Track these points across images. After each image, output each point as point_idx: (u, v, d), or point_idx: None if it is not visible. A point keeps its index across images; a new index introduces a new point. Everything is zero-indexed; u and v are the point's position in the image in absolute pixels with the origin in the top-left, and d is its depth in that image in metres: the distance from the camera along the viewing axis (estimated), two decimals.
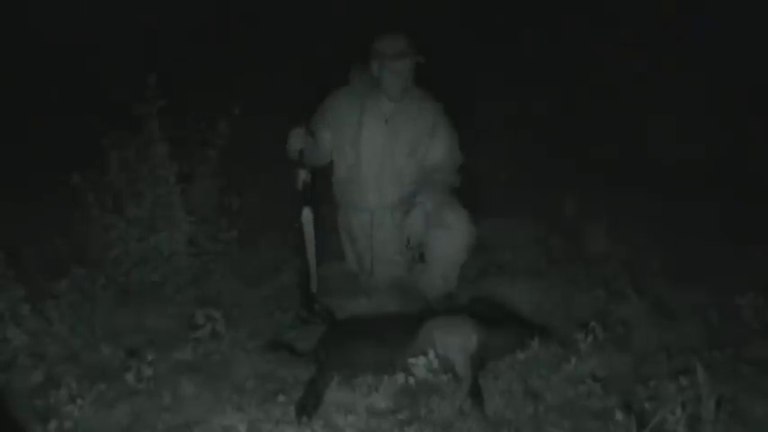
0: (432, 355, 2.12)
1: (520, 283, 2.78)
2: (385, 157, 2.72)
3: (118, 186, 2.83)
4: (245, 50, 5.86)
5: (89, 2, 6.06)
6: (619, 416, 1.84)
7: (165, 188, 2.83)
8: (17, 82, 5.16)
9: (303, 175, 2.64)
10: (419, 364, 2.10)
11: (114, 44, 5.74)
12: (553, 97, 5.15)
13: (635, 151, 4.34)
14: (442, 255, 2.63)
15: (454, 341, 2.15)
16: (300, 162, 2.63)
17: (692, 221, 3.40)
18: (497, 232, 3.30)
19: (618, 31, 5.70)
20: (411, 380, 2.10)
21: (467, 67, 5.50)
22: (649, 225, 3.35)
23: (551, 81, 5.43)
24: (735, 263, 2.92)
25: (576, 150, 4.41)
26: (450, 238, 2.60)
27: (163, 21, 6.16)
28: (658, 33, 5.47)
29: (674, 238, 3.19)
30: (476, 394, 2.02)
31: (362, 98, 2.72)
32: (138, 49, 5.28)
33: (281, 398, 2.05)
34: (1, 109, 4.70)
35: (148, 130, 2.78)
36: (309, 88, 2.88)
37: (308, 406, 2.00)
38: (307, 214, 2.64)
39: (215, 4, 6.60)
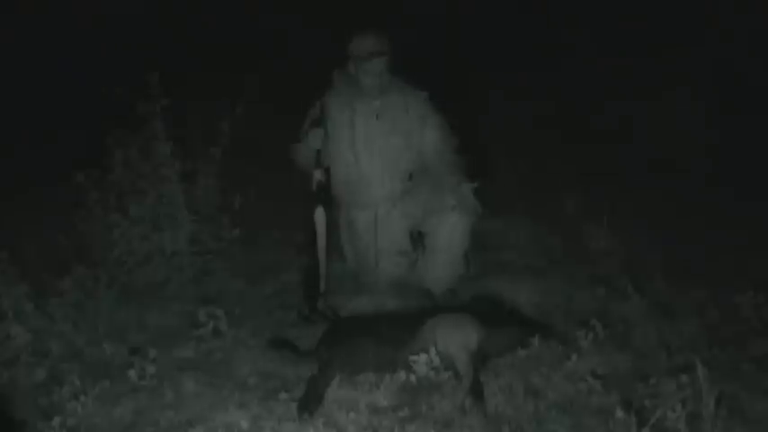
0: (433, 352, 2.12)
1: (520, 282, 2.79)
2: (382, 151, 2.75)
3: (121, 185, 2.84)
4: (247, 50, 5.88)
5: (92, 0, 6.08)
6: (619, 413, 1.84)
7: (168, 187, 2.84)
8: (20, 80, 5.18)
9: (318, 175, 2.68)
10: (420, 362, 2.11)
11: (117, 42, 5.76)
12: (553, 97, 5.16)
13: (635, 151, 4.34)
14: (445, 240, 2.65)
15: (455, 339, 2.15)
16: (318, 162, 2.66)
17: (691, 220, 3.41)
18: (498, 232, 3.31)
19: (618, 30, 5.72)
20: (412, 377, 2.10)
21: (467, 67, 5.52)
22: (649, 223, 3.35)
23: (551, 80, 5.44)
24: (735, 261, 2.93)
25: (576, 150, 4.42)
26: (454, 220, 2.62)
27: (165, 20, 6.18)
28: (658, 32, 5.48)
29: (675, 236, 3.19)
30: (477, 392, 2.03)
31: (351, 98, 2.74)
32: (141, 47, 5.29)
33: (283, 395, 2.06)
34: (4, 107, 4.72)
35: (151, 129, 2.79)
36: (311, 88, 2.89)
37: (310, 403, 2.01)
38: (320, 214, 2.66)
39: (217, 4, 6.62)
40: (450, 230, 2.64)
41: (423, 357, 2.11)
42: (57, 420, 1.93)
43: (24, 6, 5.96)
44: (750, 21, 5.05)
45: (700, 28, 5.26)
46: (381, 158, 2.75)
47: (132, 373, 2.16)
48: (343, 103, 2.75)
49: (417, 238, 2.78)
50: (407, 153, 2.77)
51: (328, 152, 2.77)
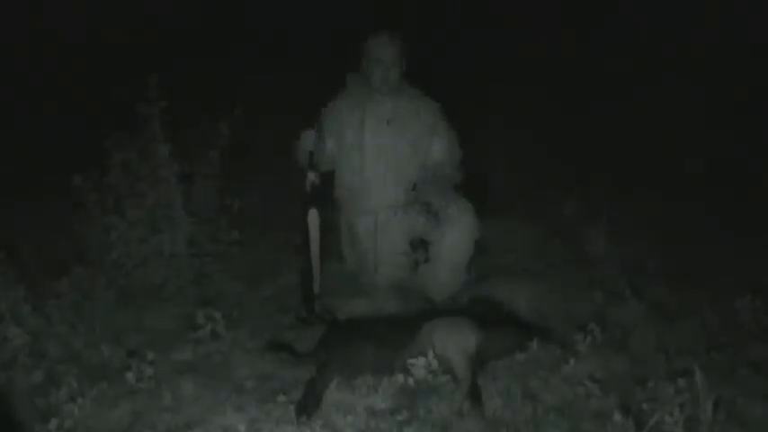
0: (431, 355, 2.13)
1: (519, 285, 2.79)
2: (389, 157, 2.75)
3: (119, 187, 2.83)
4: (246, 50, 5.88)
5: (90, 2, 6.09)
6: (617, 417, 1.85)
7: (167, 189, 2.84)
8: (19, 82, 5.18)
9: (312, 177, 2.67)
10: (418, 365, 2.11)
11: (116, 44, 5.76)
12: (553, 97, 5.17)
13: (634, 152, 4.35)
14: (448, 251, 2.65)
15: (453, 342, 2.15)
16: (311, 163, 2.66)
17: (690, 223, 3.41)
18: (497, 234, 3.30)
19: (618, 31, 5.73)
20: (410, 380, 2.10)
21: (467, 67, 5.52)
22: (648, 227, 3.36)
23: (552, 81, 5.45)
24: (733, 265, 2.93)
25: (576, 151, 4.42)
26: (456, 232, 2.62)
27: (164, 21, 6.18)
28: (658, 33, 5.50)
29: (673, 239, 3.20)
30: (474, 395, 2.03)
31: (362, 101, 2.74)
32: (140, 49, 5.29)
33: (281, 398, 2.06)
34: (3, 109, 4.72)
35: (150, 131, 2.78)
36: (312, 88, 2.89)
37: (308, 406, 2.01)
38: (313, 216, 2.65)
39: (216, 4, 6.63)
40: (453, 242, 2.64)
41: (421, 360, 2.11)
42: (54, 422, 1.93)
43: (24, 7, 5.96)
44: (750, 20, 5.06)
45: (700, 27, 5.27)
46: (388, 164, 2.75)
47: (130, 376, 2.15)
48: (354, 105, 2.75)
49: (420, 244, 2.77)
50: (414, 161, 2.77)
51: (324, 155, 2.76)
